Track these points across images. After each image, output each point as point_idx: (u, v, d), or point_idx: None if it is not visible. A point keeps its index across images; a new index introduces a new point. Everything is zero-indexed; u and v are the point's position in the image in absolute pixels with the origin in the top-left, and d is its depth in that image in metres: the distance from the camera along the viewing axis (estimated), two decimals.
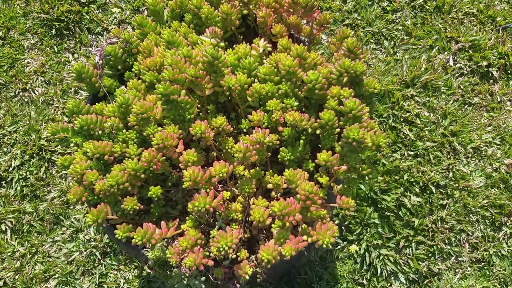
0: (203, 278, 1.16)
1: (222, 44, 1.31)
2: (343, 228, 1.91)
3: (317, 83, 1.15)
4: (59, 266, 1.92)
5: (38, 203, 2.02)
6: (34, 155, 2.09)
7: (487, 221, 1.93)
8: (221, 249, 1.00)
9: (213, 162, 1.29)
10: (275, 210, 1.00)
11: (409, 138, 2.03)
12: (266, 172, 1.22)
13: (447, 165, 1.99)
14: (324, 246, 1.00)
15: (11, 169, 2.07)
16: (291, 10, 1.33)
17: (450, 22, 2.27)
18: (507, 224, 1.92)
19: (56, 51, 2.31)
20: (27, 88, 2.24)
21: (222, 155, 1.27)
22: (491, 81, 2.18)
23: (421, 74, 2.15)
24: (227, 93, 1.24)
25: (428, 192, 1.95)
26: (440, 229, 1.90)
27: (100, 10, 2.38)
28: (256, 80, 1.24)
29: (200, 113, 1.29)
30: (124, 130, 1.23)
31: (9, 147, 2.12)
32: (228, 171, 1.08)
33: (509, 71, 2.18)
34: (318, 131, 1.18)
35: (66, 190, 2.03)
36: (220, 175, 1.06)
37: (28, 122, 2.15)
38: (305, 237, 1.05)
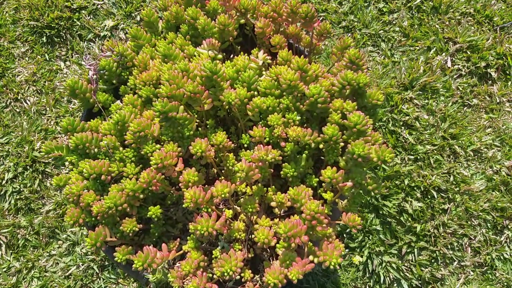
0: None
1: (220, 56, 1.27)
2: (344, 235, 1.88)
3: (319, 97, 1.12)
4: (56, 281, 1.88)
5: (33, 217, 1.98)
6: (28, 167, 2.04)
7: (489, 224, 1.92)
8: (225, 273, 0.97)
9: (213, 178, 1.26)
10: (280, 232, 0.97)
11: (409, 142, 2.01)
12: (269, 188, 1.19)
13: (448, 169, 1.97)
14: (331, 267, 0.97)
15: (4, 182, 2.02)
16: (290, 19, 1.29)
17: (447, 23, 2.25)
18: (509, 227, 1.91)
19: (48, 59, 2.26)
20: (19, 98, 2.18)
21: (223, 171, 1.23)
22: (490, 82, 2.16)
23: (419, 76, 2.12)
24: (227, 107, 1.21)
25: (429, 196, 1.93)
26: (442, 234, 1.88)
27: (91, 16, 2.32)
28: (256, 93, 1.21)
29: (199, 128, 1.25)
30: (121, 149, 1.19)
31: (1, 160, 2.07)
32: (230, 191, 1.04)
33: (507, 72, 2.16)
34: (321, 146, 1.15)
35: (61, 202, 1.98)
36: (222, 195, 1.03)
37: (20, 133, 2.10)
38: (311, 257, 1.02)
